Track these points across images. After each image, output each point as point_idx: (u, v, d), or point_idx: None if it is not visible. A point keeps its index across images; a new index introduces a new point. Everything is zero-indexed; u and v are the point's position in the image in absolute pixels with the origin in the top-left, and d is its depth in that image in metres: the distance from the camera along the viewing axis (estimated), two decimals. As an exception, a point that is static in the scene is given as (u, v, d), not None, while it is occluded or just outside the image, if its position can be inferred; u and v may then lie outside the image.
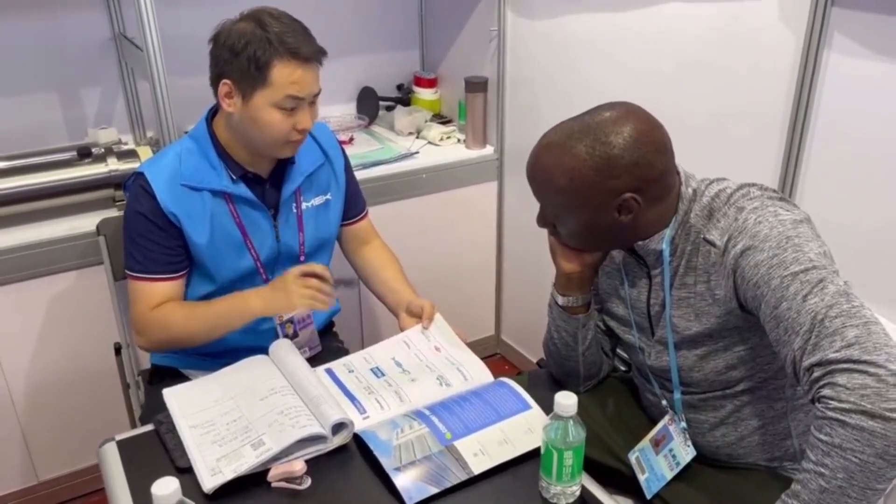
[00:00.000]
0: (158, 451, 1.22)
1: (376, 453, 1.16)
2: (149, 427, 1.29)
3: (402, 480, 1.12)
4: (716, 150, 1.75)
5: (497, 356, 2.84)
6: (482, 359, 1.41)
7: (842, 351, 0.94)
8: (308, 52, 1.37)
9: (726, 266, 1.10)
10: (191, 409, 1.27)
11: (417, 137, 2.55)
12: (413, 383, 1.35)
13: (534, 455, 1.16)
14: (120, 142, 2.10)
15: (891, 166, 1.43)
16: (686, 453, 1.24)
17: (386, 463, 1.14)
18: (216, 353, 1.52)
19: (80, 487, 2.16)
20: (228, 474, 1.12)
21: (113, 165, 1.97)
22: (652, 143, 1.10)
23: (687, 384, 1.24)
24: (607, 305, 1.35)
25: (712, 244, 1.12)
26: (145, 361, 1.72)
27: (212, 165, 1.47)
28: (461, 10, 2.48)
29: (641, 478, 1.28)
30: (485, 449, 1.18)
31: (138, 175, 1.45)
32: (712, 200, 1.15)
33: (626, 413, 1.41)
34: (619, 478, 1.32)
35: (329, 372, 1.40)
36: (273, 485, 1.14)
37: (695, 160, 1.28)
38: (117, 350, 1.70)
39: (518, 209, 2.51)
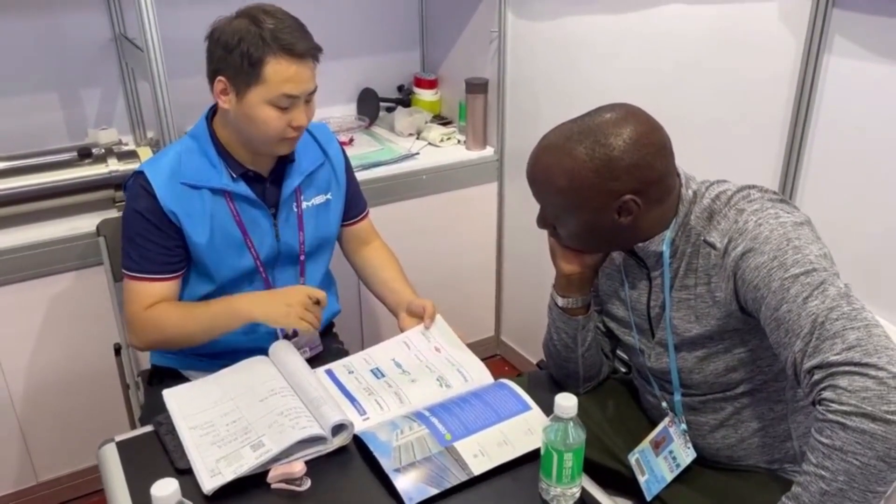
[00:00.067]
0: (158, 452, 1.22)
1: (376, 454, 1.16)
2: (148, 428, 1.29)
3: (401, 482, 1.12)
4: (716, 152, 1.75)
5: (497, 357, 2.84)
6: (482, 360, 1.41)
7: (843, 353, 0.94)
8: (302, 48, 1.35)
9: (726, 268, 1.09)
10: (191, 410, 1.27)
11: (418, 138, 2.55)
12: (413, 384, 1.35)
13: (534, 456, 1.16)
14: (120, 142, 2.10)
15: (891, 168, 1.43)
16: (686, 455, 1.24)
17: (386, 464, 1.14)
18: (216, 354, 1.52)
19: (79, 488, 2.15)
20: (228, 475, 1.12)
21: (113, 166, 1.97)
22: (652, 144, 1.10)
23: (687, 386, 1.24)
24: (607, 307, 1.35)
25: (712, 246, 1.12)
26: (145, 362, 1.72)
27: (212, 164, 1.46)
28: (462, 11, 2.48)
29: (641, 479, 1.28)
30: (485, 450, 1.18)
31: (138, 174, 1.45)
32: (713, 202, 1.15)
33: (626, 415, 1.40)
34: (619, 479, 1.32)
35: (329, 373, 1.40)
36: (273, 486, 1.14)
37: (695, 162, 1.28)
38: (117, 351, 1.70)
39: (518, 210, 2.51)
